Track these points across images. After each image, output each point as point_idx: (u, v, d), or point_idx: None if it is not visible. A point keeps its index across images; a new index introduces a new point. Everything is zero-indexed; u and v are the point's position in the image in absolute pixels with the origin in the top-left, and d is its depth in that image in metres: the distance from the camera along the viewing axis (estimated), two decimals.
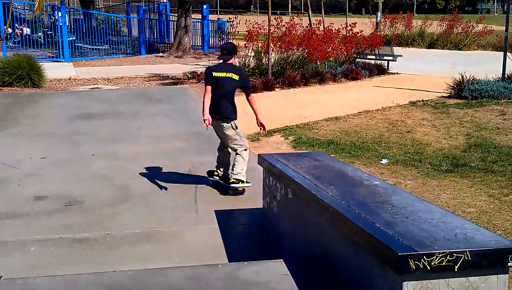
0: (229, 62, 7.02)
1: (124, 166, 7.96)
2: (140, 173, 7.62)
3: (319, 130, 10.30)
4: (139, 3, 34.17)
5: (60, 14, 20.40)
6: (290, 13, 47.73)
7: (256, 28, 16.36)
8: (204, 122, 6.70)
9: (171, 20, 26.15)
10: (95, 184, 7.11)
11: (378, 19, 30.79)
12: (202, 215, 6.14)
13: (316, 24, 17.89)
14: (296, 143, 9.43)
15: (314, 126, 10.62)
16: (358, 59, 18.23)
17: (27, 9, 31.15)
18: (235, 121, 7.27)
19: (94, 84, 15.62)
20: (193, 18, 23.50)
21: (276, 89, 14.71)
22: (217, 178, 7.23)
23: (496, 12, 70.83)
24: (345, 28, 17.65)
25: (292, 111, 12.04)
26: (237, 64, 7.56)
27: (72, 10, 26.97)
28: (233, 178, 6.80)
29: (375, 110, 11.94)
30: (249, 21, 16.93)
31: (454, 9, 39.36)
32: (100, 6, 42.58)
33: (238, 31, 17.90)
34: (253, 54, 16.70)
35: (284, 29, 16.77)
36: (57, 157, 8.29)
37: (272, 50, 15.80)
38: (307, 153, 6.10)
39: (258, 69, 16.43)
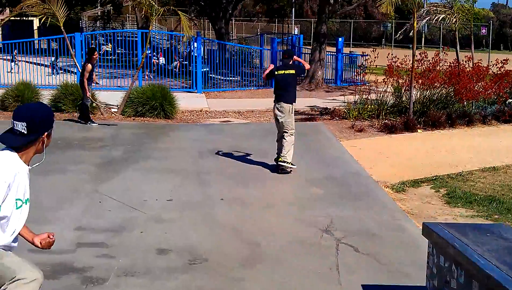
0: (290, 63, 9.58)
1: (254, 215, 7.15)
2: (271, 226, 6.78)
3: (475, 183, 8.92)
4: (272, 35, 34.14)
5: (195, 44, 20.50)
6: (423, 47, 45.75)
7: (395, 62, 15.21)
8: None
9: (303, 53, 25.56)
10: (223, 238, 6.34)
11: None
12: (346, 289, 5.12)
13: (462, 60, 16.35)
14: (450, 198, 8.14)
15: (468, 177, 9.25)
16: (510, 100, 16.38)
17: (164, 39, 32.21)
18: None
19: (224, 117, 15.22)
20: (327, 51, 22.75)
21: (419, 130, 13.40)
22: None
23: None
24: (496, 64, 15.95)
25: (440, 157, 10.72)
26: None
27: (207, 41, 27.31)
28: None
29: None
30: (380, 54, 15.78)
31: None
32: (233, 38, 43.29)
33: (376, 65, 16.79)
34: (392, 90, 15.53)
35: (428, 65, 15.46)
36: (184, 199, 7.67)
37: (414, 87, 14.54)
38: (487, 226, 4.90)
39: (397, 107, 15.20)
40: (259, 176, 9.03)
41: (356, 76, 18.93)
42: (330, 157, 10.45)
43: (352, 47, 42.41)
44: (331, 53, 23.73)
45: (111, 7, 43.60)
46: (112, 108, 15.36)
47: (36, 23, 37.32)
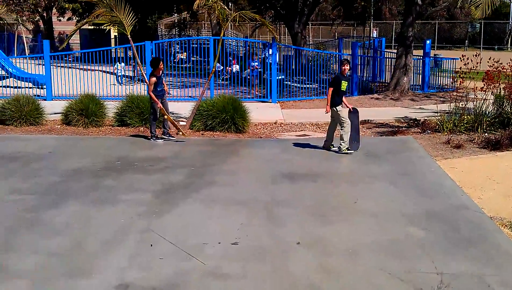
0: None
1: (339, 267, 5.65)
2: (360, 282, 5.26)
3: None
4: (351, 39, 32.38)
5: (270, 51, 19.21)
6: (509, 48, 42.46)
7: (497, 66, 13.26)
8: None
9: (387, 57, 23.74)
10: None
11: None
12: None
13: None
14: None
15: None
16: None
17: (240, 46, 31.14)
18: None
19: (301, 130, 13.78)
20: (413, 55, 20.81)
21: None
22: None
23: None
24: None
25: None
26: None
27: (282, 46, 25.98)
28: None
29: None
30: (465, 57, 13.80)
31: None
32: (310, 42, 41.76)
33: (469, 69, 14.70)
34: (492, 99, 13.56)
35: None
36: (251, 243, 6.28)
37: None
38: None
39: (499, 118, 13.22)
40: (342, 211, 7.51)
41: (452, 82, 16.76)
42: (427, 184, 8.77)
43: (436, 49, 39.86)
44: (417, 57, 21.77)
45: (187, 14, 43.14)
46: (181, 121, 14.27)
47: (113, 32, 37.36)
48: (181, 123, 13.97)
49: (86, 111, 13.77)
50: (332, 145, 11.09)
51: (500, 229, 6.80)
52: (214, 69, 15.52)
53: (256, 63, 20.25)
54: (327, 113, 11.05)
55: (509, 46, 43.52)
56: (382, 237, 6.50)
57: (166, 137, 12.14)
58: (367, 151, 10.90)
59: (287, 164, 9.91)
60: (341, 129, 10.79)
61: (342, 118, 10.74)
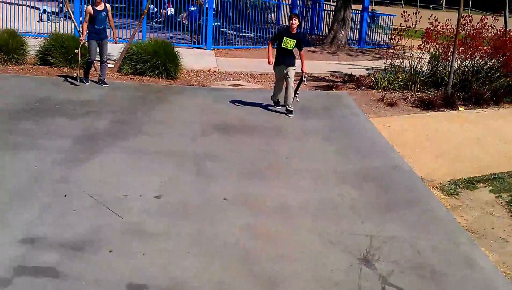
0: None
1: (269, 228, 5.38)
2: (292, 251, 5.01)
3: None
4: None
5: None
6: (444, 8, 42.96)
7: (435, 25, 13.17)
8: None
9: (325, 10, 23.36)
10: (224, 268, 4.59)
11: None
12: None
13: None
14: None
15: None
16: None
17: None
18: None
19: (235, 80, 13.34)
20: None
21: (460, 108, 11.49)
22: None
23: None
24: None
25: (492, 145, 8.87)
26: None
27: None
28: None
29: None
30: (406, 13, 13.61)
31: None
32: None
33: (406, 27, 14.52)
34: (428, 58, 13.53)
35: (472, 31, 13.42)
36: (176, 198, 5.91)
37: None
38: None
39: (434, 77, 13.23)
40: (274, 168, 7.24)
41: (389, 39, 16.56)
42: (361, 142, 8.61)
43: (374, 5, 39.75)
44: (355, 12, 21.50)
45: None
46: (109, 63, 13.49)
47: None
48: (109, 65, 13.22)
49: (5, 47, 12.74)
50: (278, 100, 10.30)
51: (431, 190, 6.72)
52: (146, 10, 14.74)
53: (195, 8, 19.37)
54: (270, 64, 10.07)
55: (443, 5, 44.00)
56: (314, 196, 6.28)
57: (87, 82, 11.23)
58: (302, 105, 10.61)
59: (219, 115, 9.51)
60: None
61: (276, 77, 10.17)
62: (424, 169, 7.45)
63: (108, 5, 11.36)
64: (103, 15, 11.11)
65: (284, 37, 9.55)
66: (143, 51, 12.66)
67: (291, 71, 9.69)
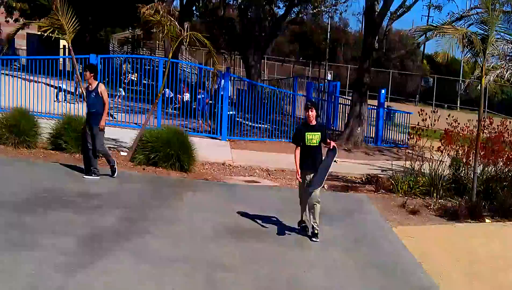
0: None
1: None
2: None
3: None
4: (306, 79, 31.92)
5: (223, 82, 18.23)
6: (458, 108, 42.89)
7: (455, 126, 12.80)
8: None
9: (341, 103, 23.21)
10: None
11: None
12: None
13: None
14: None
15: None
16: None
17: (194, 73, 29.96)
18: None
19: (250, 175, 12.90)
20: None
21: (487, 220, 10.88)
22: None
23: None
24: None
25: None
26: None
27: (236, 78, 25.13)
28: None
29: None
30: (423, 112, 13.26)
31: None
32: (264, 78, 41.11)
33: (424, 127, 14.09)
34: (448, 161, 13.05)
35: (493, 133, 13.02)
36: None
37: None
38: None
39: (456, 184, 12.70)
40: (290, 281, 6.61)
41: (408, 139, 16.17)
42: (384, 257, 7.99)
43: (389, 101, 39.71)
44: (371, 107, 21.25)
45: (141, 32, 41.41)
46: (122, 151, 13.16)
47: (62, 41, 35.61)
48: (122, 153, 12.89)
49: (16, 128, 12.43)
50: (306, 224, 8.48)
51: None
52: (160, 93, 14.56)
53: (203, 96, 19.16)
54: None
55: (458, 105, 43.99)
56: None
57: (97, 176, 10.42)
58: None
59: (233, 217, 8.96)
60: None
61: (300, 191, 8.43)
62: None
63: (102, 85, 10.42)
64: (92, 96, 10.21)
65: (306, 133, 8.10)
66: (157, 139, 12.31)
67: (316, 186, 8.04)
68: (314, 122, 8.18)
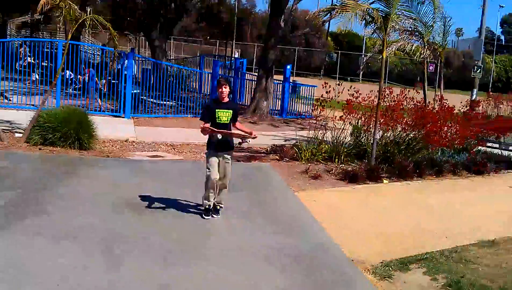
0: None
1: None
2: None
3: (477, 265, 6.80)
4: (213, 57, 31.83)
5: (126, 62, 17.88)
6: (360, 80, 44.39)
7: (356, 97, 13.20)
8: None
9: (247, 79, 23.36)
10: None
11: (474, 96, 27.14)
12: None
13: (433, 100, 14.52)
14: None
15: (465, 255, 7.12)
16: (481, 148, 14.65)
17: (97, 54, 29.16)
18: None
19: (154, 151, 12.69)
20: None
21: (384, 181, 11.31)
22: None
23: None
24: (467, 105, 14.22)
25: (420, 221, 8.60)
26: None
27: (140, 58, 24.71)
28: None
29: None
30: (327, 84, 13.60)
31: None
32: (171, 58, 40.65)
33: (327, 98, 14.39)
34: (351, 129, 13.44)
35: (392, 102, 13.53)
36: None
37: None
38: None
39: (357, 149, 13.10)
40: (193, 248, 6.57)
41: (312, 110, 16.53)
42: (286, 218, 8.12)
43: (294, 76, 40.51)
44: (277, 82, 21.61)
45: (40, 16, 39.91)
46: (17, 132, 12.57)
47: None
48: (17, 135, 12.30)
49: None
50: (210, 205, 7.79)
51: (362, 273, 6.26)
52: (58, 74, 14.02)
53: (92, 74, 18.41)
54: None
55: (360, 78, 45.62)
56: (239, 280, 5.64)
57: None
58: None
59: (134, 190, 8.76)
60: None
61: (207, 165, 7.64)
62: (353, 250, 6.99)
63: None
64: None
65: (217, 110, 7.44)
66: (54, 119, 11.83)
67: (228, 164, 7.64)
68: (226, 99, 7.53)
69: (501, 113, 25.04)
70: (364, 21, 12.35)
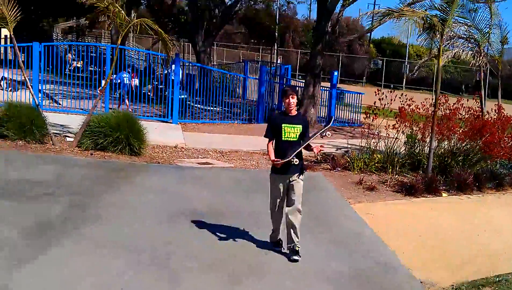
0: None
1: None
2: None
3: None
4: (256, 64, 31.64)
5: (173, 67, 17.80)
6: (404, 88, 43.60)
7: (409, 104, 12.75)
8: None
9: (294, 86, 23.02)
10: None
11: None
12: None
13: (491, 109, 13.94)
14: None
15: None
16: None
17: (141, 59, 29.34)
18: None
19: (203, 157, 12.51)
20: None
21: (443, 194, 10.85)
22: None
23: None
24: None
25: (486, 239, 8.14)
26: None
27: (186, 64, 24.68)
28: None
29: None
30: (380, 92, 13.16)
31: None
32: (213, 63, 40.59)
33: (378, 107, 13.93)
34: (404, 139, 13.00)
35: (448, 111, 13.03)
36: None
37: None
38: None
39: (411, 160, 12.65)
40: (251, 265, 6.30)
41: (364, 117, 16.09)
42: (346, 234, 7.78)
43: (338, 83, 40.02)
44: (324, 88, 21.24)
45: (86, 21, 40.52)
46: (68, 137, 12.57)
47: (4, 31, 34.17)
48: (68, 139, 12.30)
49: None
50: (280, 239, 6.82)
51: None
52: (108, 79, 14.01)
53: (126, 75, 18.35)
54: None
55: (404, 85, 44.89)
56: None
57: None
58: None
59: (187, 200, 8.58)
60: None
61: (270, 195, 6.57)
62: (421, 270, 6.62)
63: None
64: None
65: (283, 125, 6.30)
66: (105, 124, 11.79)
67: (298, 186, 6.42)
68: (294, 112, 6.41)
69: None
70: (418, 28, 12.00)
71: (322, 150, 6.57)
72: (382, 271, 6.44)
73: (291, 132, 6.27)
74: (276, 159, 6.18)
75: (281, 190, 6.40)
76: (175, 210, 7.93)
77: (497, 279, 6.50)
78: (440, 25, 11.52)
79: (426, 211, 9.54)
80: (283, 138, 6.27)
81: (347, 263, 6.57)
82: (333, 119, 5.85)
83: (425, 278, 6.37)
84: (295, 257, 6.40)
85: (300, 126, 6.34)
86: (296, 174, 6.38)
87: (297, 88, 21.64)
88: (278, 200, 6.45)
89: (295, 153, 6.13)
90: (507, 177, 12.04)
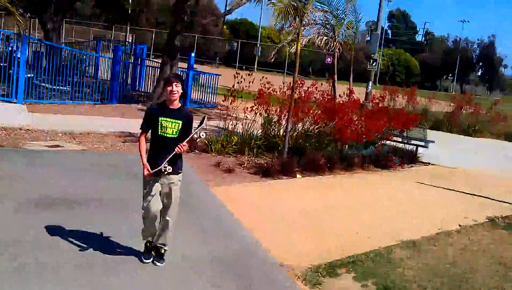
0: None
1: None
2: None
3: (401, 268, 6.70)
4: (108, 42, 30.41)
5: (19, 45, 16.45)
6: (256, 70, 44.74)
7: (268, 88, 12.92)
8: None
9: (149, 66, 22.44)
10: None
11: (369, 88, 27.94)
12: None
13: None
14: None
15: (389, 257, 7.02)
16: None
17: None
18: None
19: (53, 140, 11.72)
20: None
21: (298, 175, 11.14)
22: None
23: (453, 91, 68.95)
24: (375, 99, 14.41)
25: (340, 219, 8.46)
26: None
27: (34, 41, 23.03)
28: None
29: (455, 232, 8.49)
30: (239, 75, 13.26)
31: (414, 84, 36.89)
32: (63, 41, 38.47)
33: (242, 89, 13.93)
34: (261, 121, 13.16)
35: (303, 94, 13.38)
36: None
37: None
38: None
39: (268, 142, 12.83)
40: (117, 258, 5.95)
41: (223, 100, 15.96)
42: (205, 218, 7.66)
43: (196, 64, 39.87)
44: (181, 70, 20.93)
45: None
46: None
47: None
48: None
49: None
50: (151, 241, 5.98)
51: (291, 279, 5.95)
52: None
53: None
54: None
55: (256, 67, 45.94)
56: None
57: None
58: (132, 171, 9.43)
59: (38, 185, 7.96)
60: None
61: (144, 192, 5.77)
62: (280, 252, 6.67)
63: None
64: None
65: (160, 118, 5.57)
66: None
67: (176, 188, 5.73)
68: (177, 104, 5.64)
69: (397, 106, 25.83)
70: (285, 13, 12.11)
71: (186, 150, 5.66)
72: (241, 254, 6.41)
73: (168, 127, 5.52)
74: (147, 166, 5.54)
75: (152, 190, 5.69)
76: (24, 198, 7.28)
77: (352, 259, 6.73)
78: (302, 7, 11.72)
79: (283, 192, 9.72)
80: (159, 133, 5.54)
81: (206, 248, 6.44)
82: (205, 119, 4.94)
83: (285, 261, 6.42)
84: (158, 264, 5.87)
85: (180, 121, 5.54)
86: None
87: (152, 68, 21.16)
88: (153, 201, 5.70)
89: (167, 160, 5.44)
90: (355, 158, 12.66)
